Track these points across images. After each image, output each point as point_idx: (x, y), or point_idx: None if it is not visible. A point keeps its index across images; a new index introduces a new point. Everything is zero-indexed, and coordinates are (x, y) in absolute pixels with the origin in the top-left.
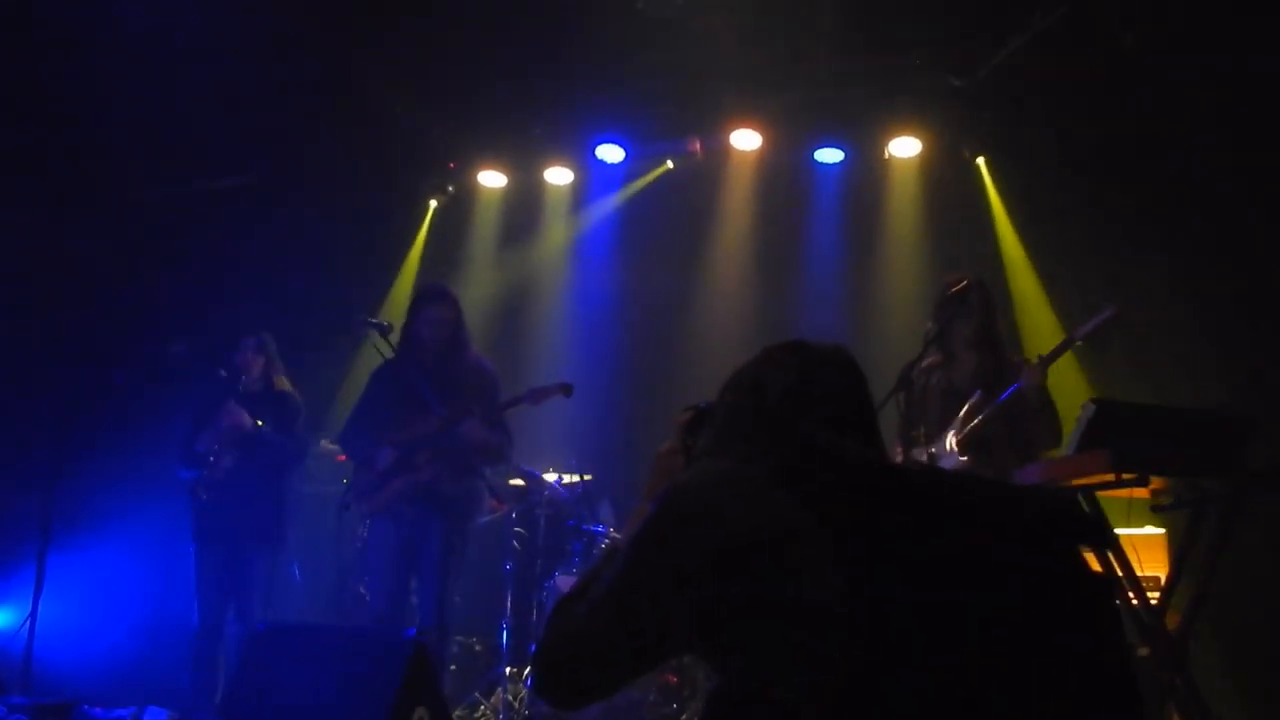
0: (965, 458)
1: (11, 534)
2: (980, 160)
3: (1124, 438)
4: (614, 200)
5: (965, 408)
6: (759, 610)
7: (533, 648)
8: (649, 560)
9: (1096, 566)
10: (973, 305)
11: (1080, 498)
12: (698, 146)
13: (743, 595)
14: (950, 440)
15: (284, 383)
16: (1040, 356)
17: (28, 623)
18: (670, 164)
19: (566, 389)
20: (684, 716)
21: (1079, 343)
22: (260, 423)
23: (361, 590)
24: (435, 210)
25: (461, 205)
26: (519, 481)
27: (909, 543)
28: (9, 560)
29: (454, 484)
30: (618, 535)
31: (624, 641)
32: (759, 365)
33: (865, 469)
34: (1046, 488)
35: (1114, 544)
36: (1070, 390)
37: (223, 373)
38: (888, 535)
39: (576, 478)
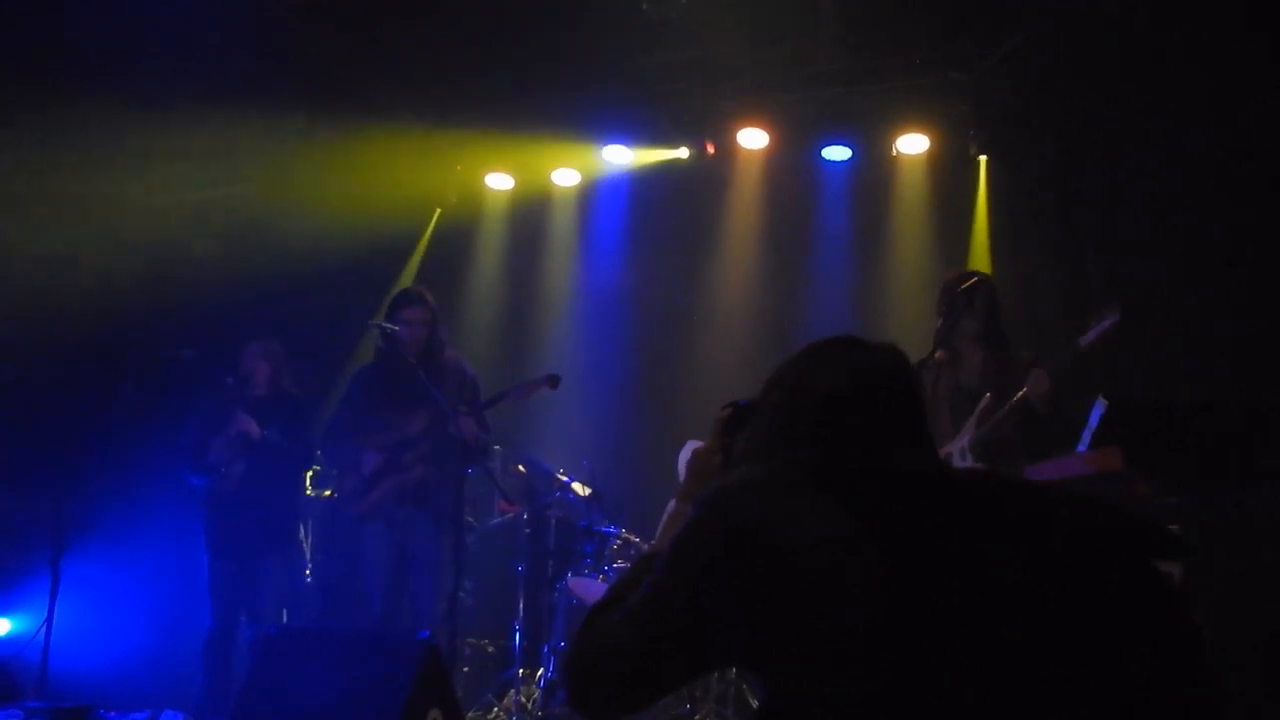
0: (978, 463)
1: (26, 541)
2: (982, 159)
3: (1137, 435)
4: (621, 201)
5: (977, 412)
6: (804, 619)
7: (544, 649)
8: (689, 567)
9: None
10: (979, 302)
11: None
12: (710, 148)
13: (787, 604)
14: (962, 443)
15: (292, 388)
16: (1045, 369)
17: (43, 628)
18: (686, 153)
19: (553, 381)
20: (696, 717)
21: (1084, 351)
22: (268, 430)
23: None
24: (439, 215)
25: (469, 208)
26: (522, 469)
27: (964, 552)
28: (24, 567)
29: (442, 482)
30: (631, 537)
31: (663, 652)
32: (806, 363)
33: (917, 475)
34: (1116, 497)
35: (1194, 556)
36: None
37: (230, 380)
38: (940, 545)
39: (584, 489)
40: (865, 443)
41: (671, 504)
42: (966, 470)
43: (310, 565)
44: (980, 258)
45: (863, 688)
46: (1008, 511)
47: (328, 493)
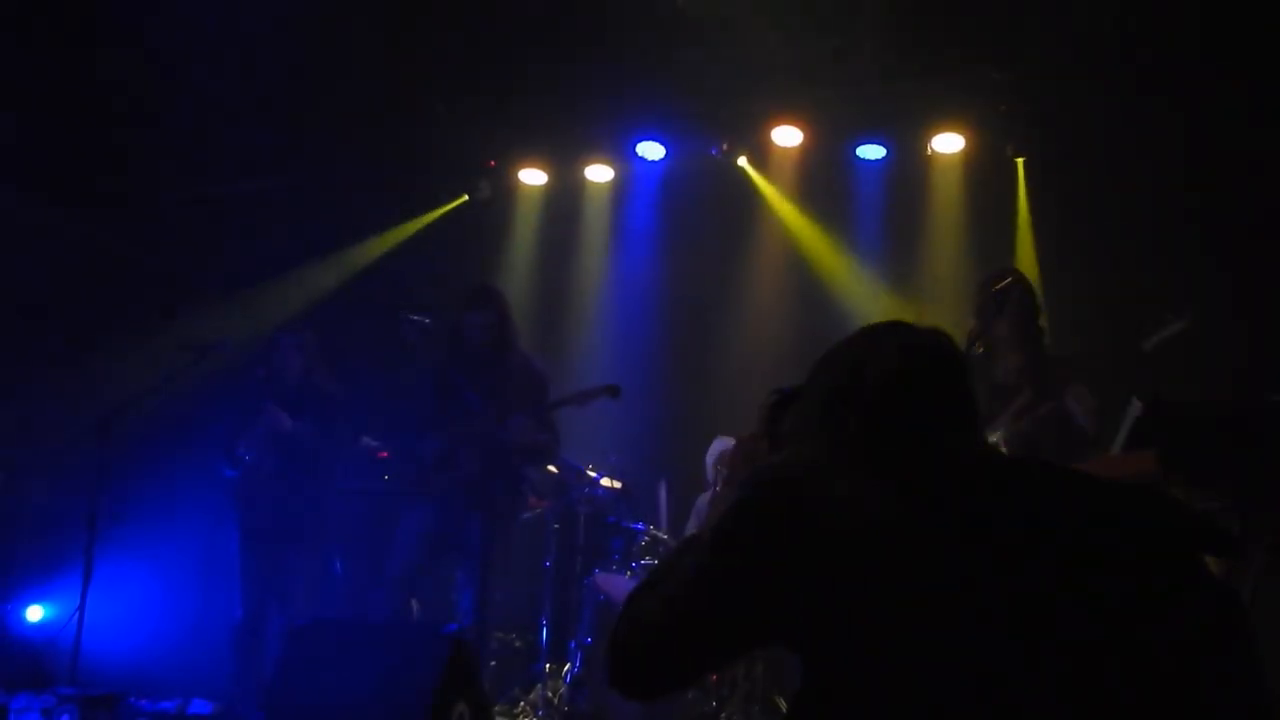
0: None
1: (59, 530)
2: (1020, 161)
3: (1173, 438)
4: (654, 197)
5: (1014, 407)
6: (847, 600)
7: (571, 645)
8: (734, 548)
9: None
10: (1016, 303)
11: None
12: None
13: (830, 584)
14: (997, 438)
15: (325, 379)
16: (1085, 385)
17: (75, 616)
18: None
19: (614, 390)
20: (723, 715)
21: (1147, 354)
22: (298, 423)
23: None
24: (459, 205)
25: (502, 203)
26: (553, 469)
27: (1013, 539)
28: (57, 555)
29: (496, 482)
30: (659, 533)
31: (705, 632)
32: (855, 347)
33: (967, 459)
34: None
35: (1243, 556)
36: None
37: (261, 372)
38: (990, 531)
39: (613, 482)
40: (914, 425)
41: (703, 497)
42: (1016, 457)
43: (340, 556)
44: (1027, 260)
45: (905, 671)
46: (1057, 500)
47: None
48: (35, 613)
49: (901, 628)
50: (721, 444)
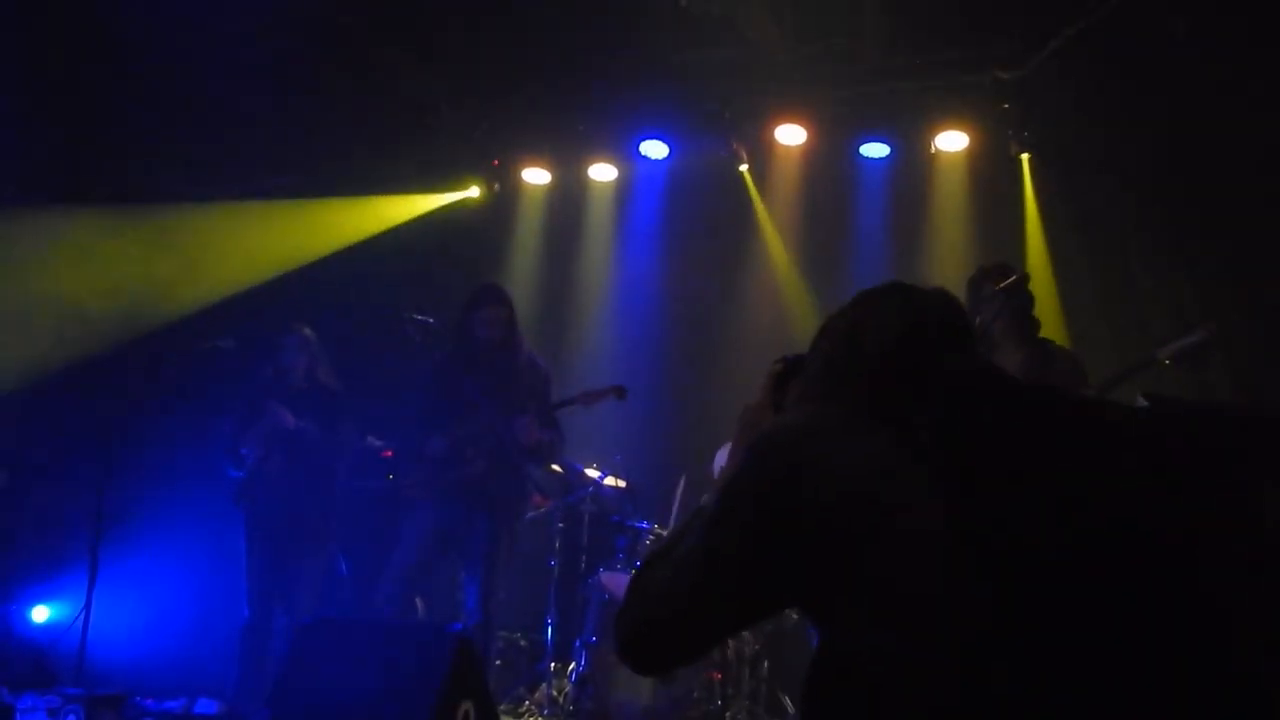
0: None
1: (65, 530)
2: (1024, 157)
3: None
4: (658, 196)
5: None
6: (863, 555)
7: (576, 643)
8: (743, 508)
9: None
10: (1018, 298)
11: None
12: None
13: (844, 539)
14: None
15: (329, 378)
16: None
17: (81, 616)
18: (744, 167)
19: (620, 391)
20: (728, 714)
21: (1166, 363)
22: (303, 422)
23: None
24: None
25: (506, 202)
26: (558, 468)
27: (1041, 473)
28: (63, 555)
29: (501, 481)
30: (664, 532)
31: (717, 596)
32: (856, 310)
33: (979, 388)
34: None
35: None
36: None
37: (267, 371)
38: (1004, 468)
39: (617, 481)
40: (919, 380)
41: (706, 498)
42: (1035, 385)
43: (345, 556)
44: (1037, 258)
45: (927, 628)
46: (1086, 428)
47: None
48: (41, 613)
49: (918, 581)
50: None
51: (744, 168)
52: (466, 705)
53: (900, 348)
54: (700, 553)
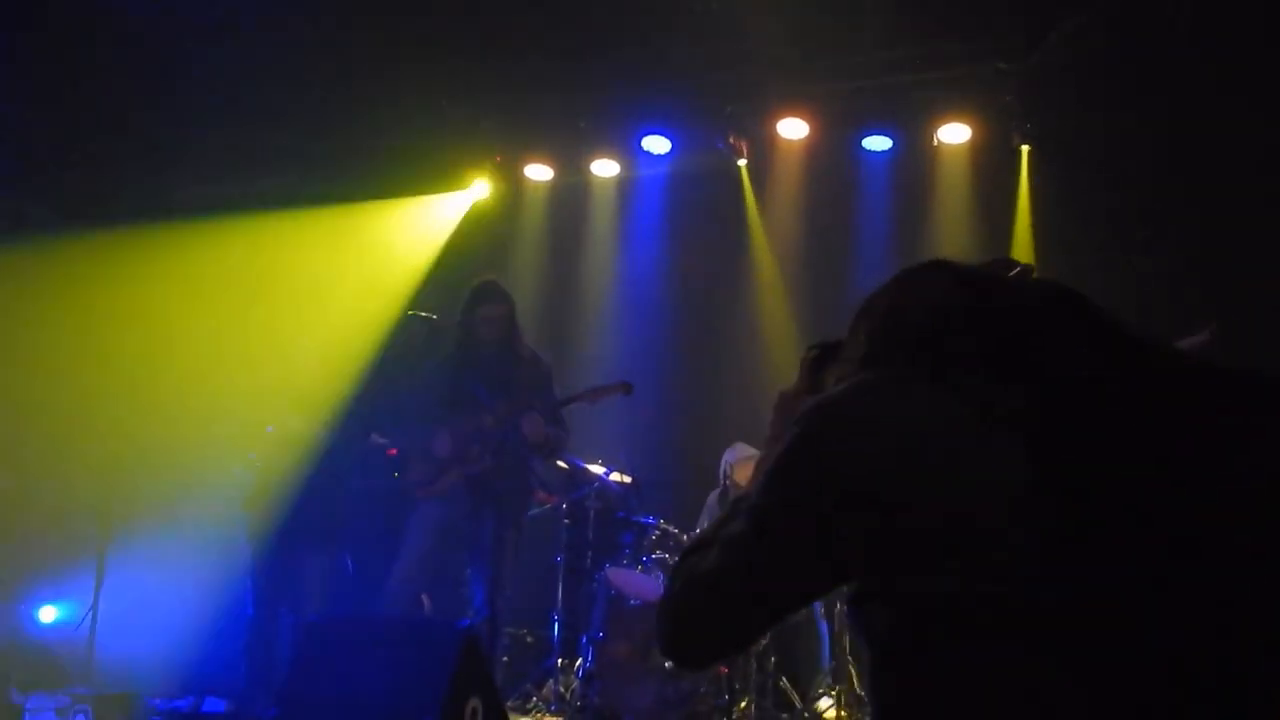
0: None
1: (72, 532)
2: (1024, 149)
3: None
4: (661, 192)
5: None
6: (923, 513)
7: (583, 639)
8: (796, 481)
9: None
10: None
11: None
12: (742, 147)
13: (904, 499)
14: None
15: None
16: None
17: (89, 616)
18: (743, 162)
19: (626, 387)
20: (735, 708)
21: None
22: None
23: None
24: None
25: (508, 199)
26: (563, 465)
27: (1110, 428)
28: (71, 556)
29: (507, 478)
30: (670, 528)
31: (771, 576)
32: (897, 287)
33: (1045, 349)
34: None
35: None
36: None
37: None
38: (1071, 418)
39: (623, 477)
40: (973, 339)
41: (714, 494)
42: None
43: (351, 554)
44: (1023, 248)
45: (998, 595)
46: (1158, 378)
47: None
48: (48, 613)
49: (989, 545)
50: (739, 450)
51: (742, 163)
52: (474, 702)
53: (950, 312)
54: (751, 533)
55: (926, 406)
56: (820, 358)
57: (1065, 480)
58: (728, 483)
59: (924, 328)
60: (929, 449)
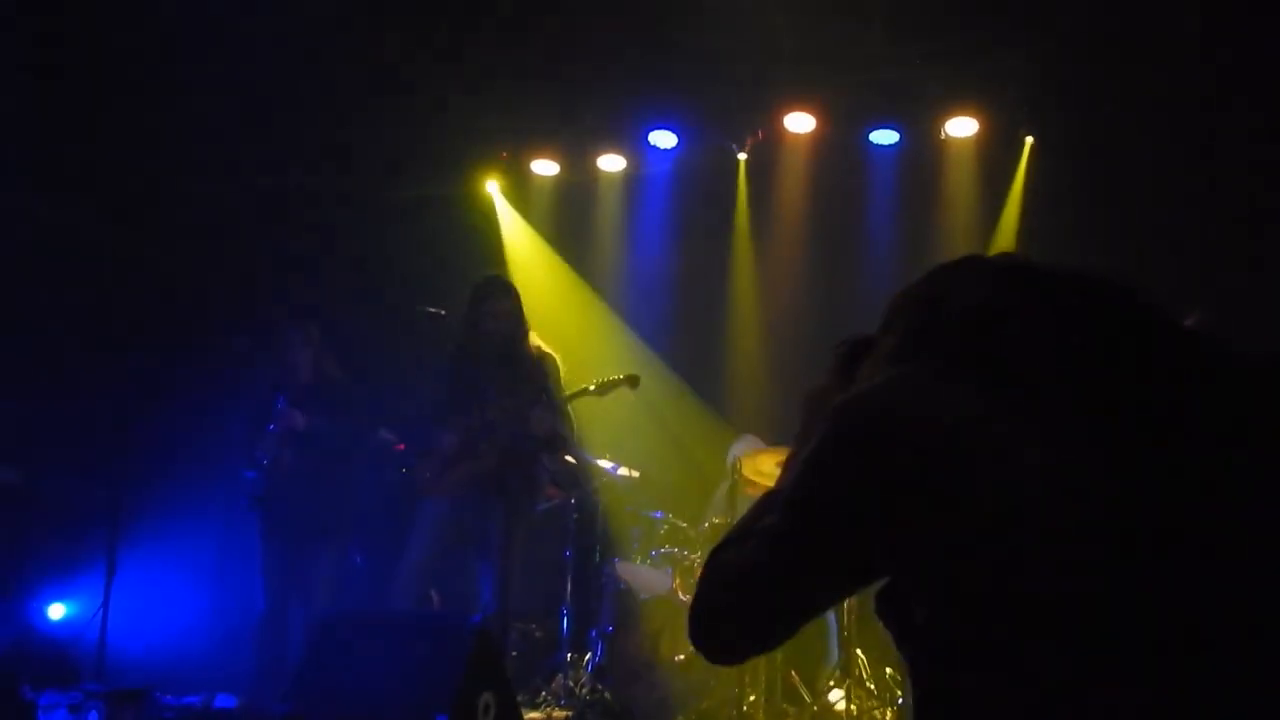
0: None
1: (82, 528)
2: (1028, 140)
3: None
4: (667, 186)
5: None
6: (964, 503)
7: (592, 634)
8: (833, 473)
9: None
10: None
11: None
12: (758, 135)
13: (943, 489)
14: None
15: (335, 371)
16: None
17: (99, 612)
18: (743, 156)
19: (634, 380)
20: (745, 703)
21: None
22: (314, 419)
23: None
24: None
25: (515, 194)
26: (571, 459)
27: (1150, 416)
28: (81, 553)
29: (516, 473)
30: (678, 522)
31: (808, 570)
32: (932, 281)
33: (1085, 338)
34: None
35: None
36: None
37: (275, 370)
38: (1111, 407)
39: (631, 471)
40: (1011, 328)
41: (722, 488)
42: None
43: (360, 550)
44: (1007, 237)
45: (1038, 590)
46: (1202, 369)
47: (403, 470)
48: (57, 610)
49: (1022, 528)
50: (747, 442)
51: (741, 157)
52: (487, 697)
53: (993, 305)
54: (787, 528)
55: (969, 400)
56: (851, 354)
57: (1113, 475)
58: (736, 477)
59: (966, 321)
60: (971, 443)
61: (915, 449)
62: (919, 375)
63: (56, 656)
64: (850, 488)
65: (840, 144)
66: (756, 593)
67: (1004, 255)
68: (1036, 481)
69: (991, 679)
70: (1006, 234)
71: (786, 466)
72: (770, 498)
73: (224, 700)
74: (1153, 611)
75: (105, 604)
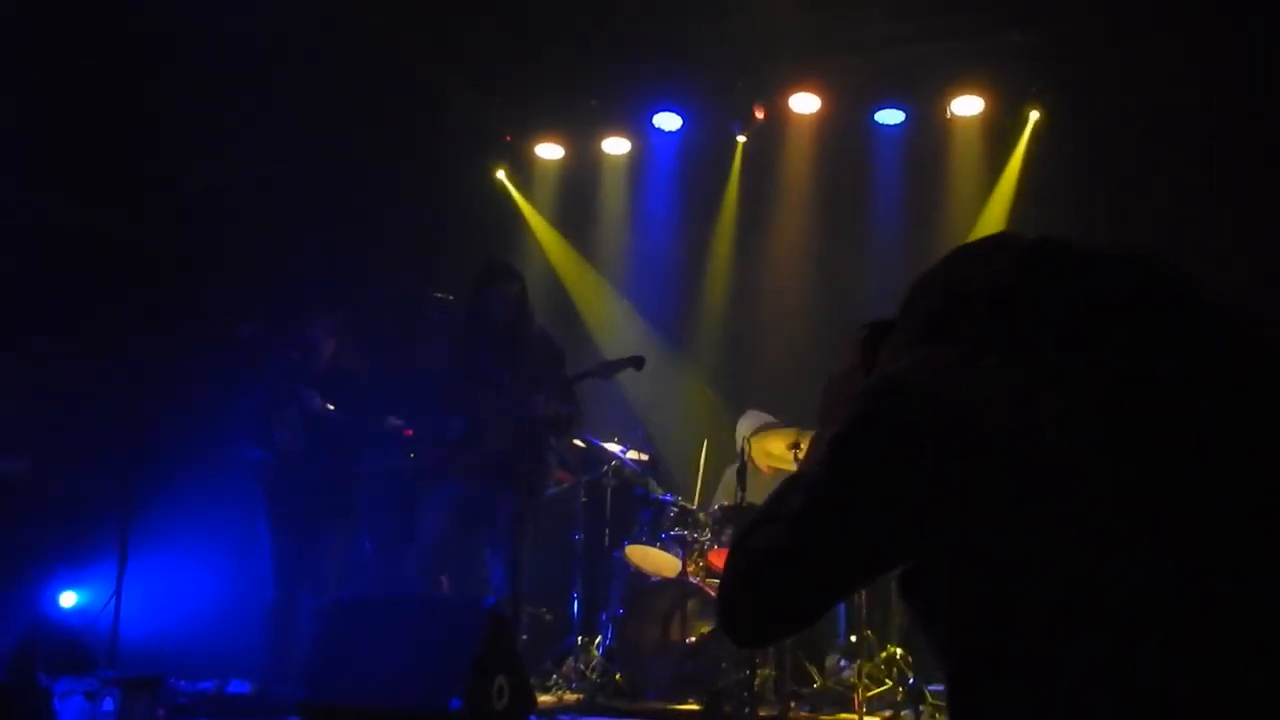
0: None
1: (93, 516)
2: (1032, 115)
3: None
4: (672, 168)
5: None
6: (997, 481)
7: (603, 617)
8: (862, 453)
9: None
10: None
11: None
12: (761, 113)
13: (974, 468)
14: None
15: (353, 360)
16: None
17: (112, 600)
18: (742, 139)
19: (639, 362)
20: (756, 684)
21: None
22: (331, 405)
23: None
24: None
25: (519, 178)
26: (579, 443)
27: (1180, 392)
28: (92, 541)
29: (524, 456)
30: (687, 505)
31: (836, 555)
32: (955, 261)
33: (1113, 315)
34: None
35: None
36: None
37: (294, 354)
38: (1141, 384)
39: (640, 454)
40: (1037, 307)
41: (731, 469)
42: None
43: (369, 536)
44: (998, 211)
45: (1067, 571)
46: (1232, 344)
47: (410, 455)
48: (68, 598)
49: (1057, 505)
50: (753, 417)
51: (741, 139)
52: (501, 680)
53: (1019, 284)
54: (817, 510)
55: (996, 380)
56: (873, 336)
57: (1142, 455)
58: (745, 459)
59: (991, 301)
60: (999, 422)
61: (943, 430)
62: (946, 356)
63: (70, 644)
64: (879, 469)
65: (846, 124)
66: (787, 575)
67: (1010, 234)
68: (1063, 460)
69: (1019, 659)
70: (1000, 203)
71: (811, 448)
72: (796, 479)
73: (237, 686)
74: (1183, 589)
75: (117, 592)
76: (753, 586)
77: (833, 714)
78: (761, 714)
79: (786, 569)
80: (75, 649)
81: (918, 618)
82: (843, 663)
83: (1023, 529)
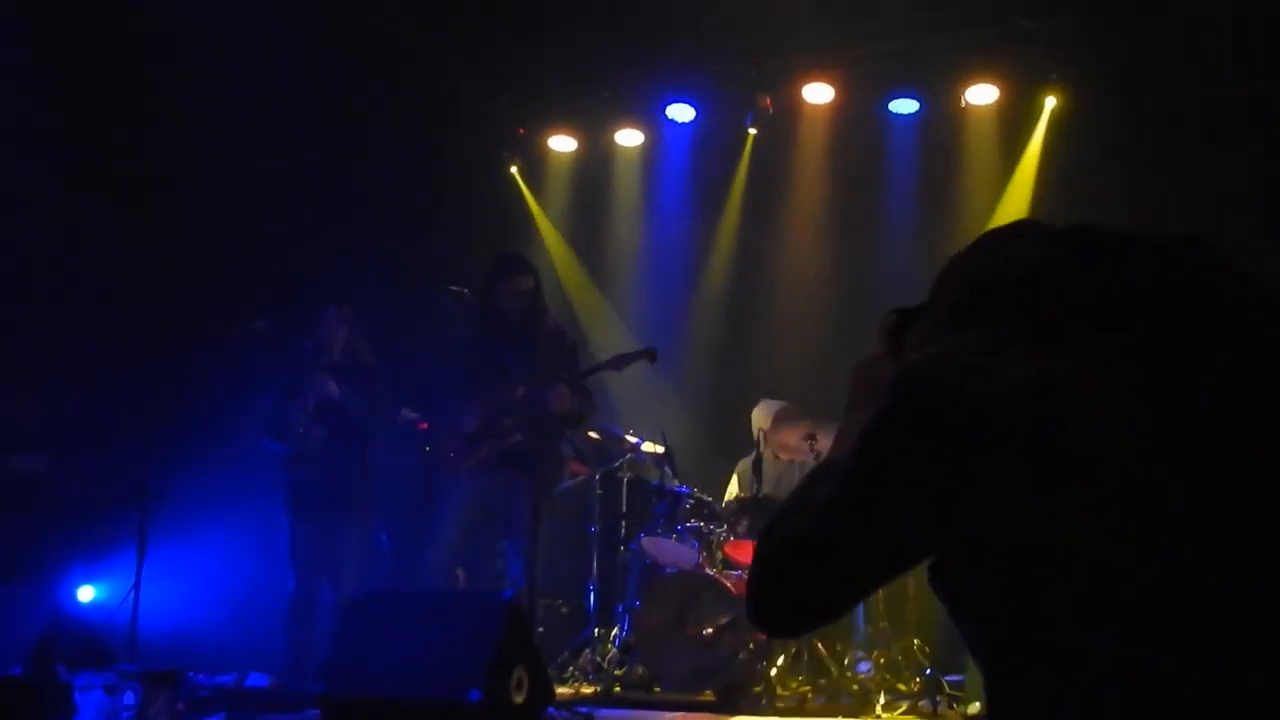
0: None
1: (112, 510)
2: (1048, 102)
3: None
4: (686, 160)
5: None
6: (1031, 468)
7: (619, 609)
8: (894, 441)
9: None
10: None
11: None
12: (768, 102)
13: (1008, 455)
14: None
15: (366, 356)
16: None
17: (131, 594)
18: (753, 131)
19: (651, 354)
20: (772, 675)
21: None
22: (345, 394)
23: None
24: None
25: (532, 170)
26: (595, 435)
27: (1217, 375)
28: (111, 535)
29: (540, 450)
30: (704, 496)
31: (868, 545)
32: (984, 247)
33: (1149, 299)
34: None
35: None
36: None
37: (308, 345)
38: (1180, 367)
39: (655, 446)
40: (1062, 324)
41: (745, 460)
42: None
43: (386, 529)
44: (1020, 197)
45: (1101, 561)
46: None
47: (426, 449)
48: (86, 593)
49: (1093, 491)
50: (767, 406)
51: (752, 131)
52: (519, 671)
53: (1053, 268)
54: (848, 499)
55: (1022, 369)
56: (900, 324)
57: (1176, 441)
58: (761, 450)
59: (1024, 285)
60: (1030, 408)
61: (975, 416)
62: (977, 341)
63: (89, 639)
64: (911, 457)
65: (860, 114)
66: (818, 566)
67: (1039, 221)
68: (1096, 446)
69: (1041, 650)
70: (1020, 190)
71: (840, 437)
72: (827, 468)
73: (256, 679)
74: (1216, 578)
75: (136, 585)
76: (784, 578)
77: (848, 705)
78: (778, 705)
79: (818, 560)
80: (95, 643)
81: (948, 609)
82: (859, 654)
83: (1046, 518)
